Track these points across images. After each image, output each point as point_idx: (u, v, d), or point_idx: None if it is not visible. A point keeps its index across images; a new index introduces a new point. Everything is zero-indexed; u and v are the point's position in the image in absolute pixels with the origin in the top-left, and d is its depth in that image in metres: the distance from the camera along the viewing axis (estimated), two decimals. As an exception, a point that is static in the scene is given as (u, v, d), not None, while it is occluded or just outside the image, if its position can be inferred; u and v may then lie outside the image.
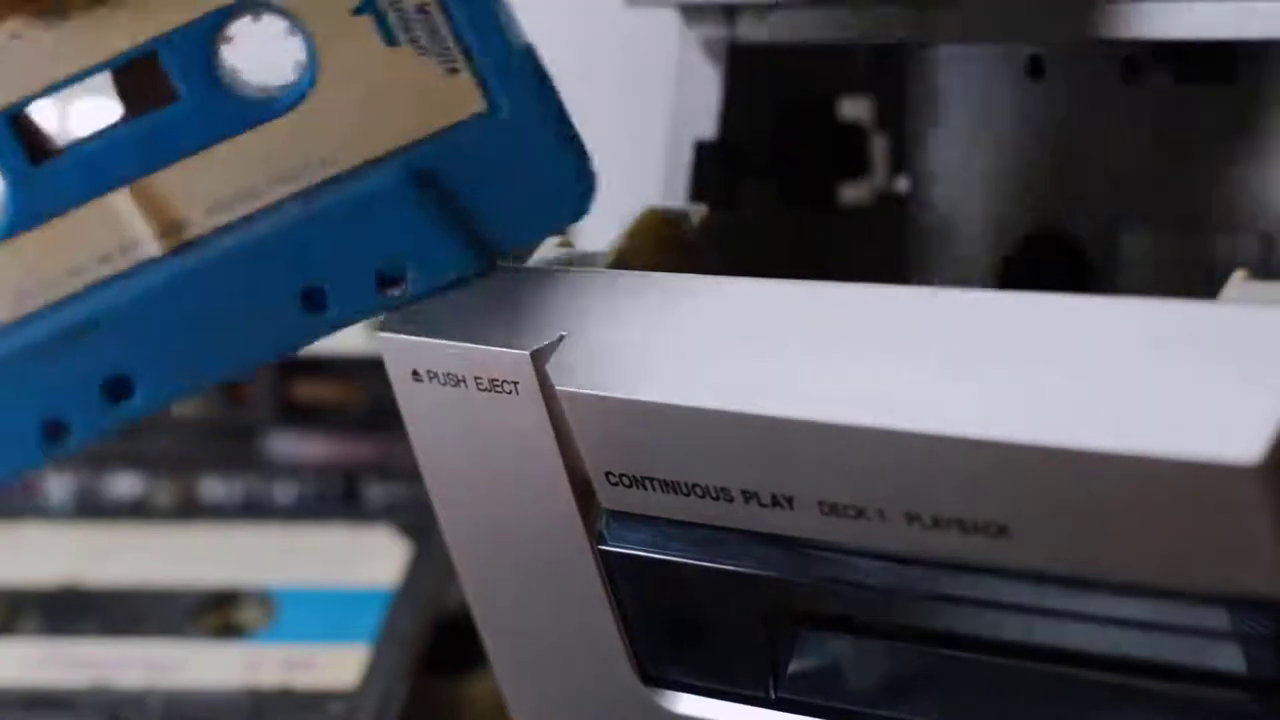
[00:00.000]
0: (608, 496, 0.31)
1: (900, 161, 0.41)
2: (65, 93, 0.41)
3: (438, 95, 0.32)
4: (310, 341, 0.33)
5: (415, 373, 0.33)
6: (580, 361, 0.30)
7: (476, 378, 0.32)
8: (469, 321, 0.32)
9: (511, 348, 0.31)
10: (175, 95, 0.33)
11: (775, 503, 0.29)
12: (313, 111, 0.32)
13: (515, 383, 0.31)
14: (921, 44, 0.38)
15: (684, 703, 0.33)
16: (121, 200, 0.33)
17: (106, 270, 0.33)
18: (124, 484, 0.48)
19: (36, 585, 0.50)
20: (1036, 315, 0.27)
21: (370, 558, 0.49)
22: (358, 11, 0.32)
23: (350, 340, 0.47)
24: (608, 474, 0.31)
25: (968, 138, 0.40)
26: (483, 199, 0.32)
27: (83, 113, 0.48)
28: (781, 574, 0.30)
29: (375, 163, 0.32)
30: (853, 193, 0.41)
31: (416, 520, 0.49)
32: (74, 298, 0.33)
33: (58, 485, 0.49)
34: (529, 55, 0.32)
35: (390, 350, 0.33)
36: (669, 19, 0.39)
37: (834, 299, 0.29)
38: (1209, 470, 0.24)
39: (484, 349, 0.31)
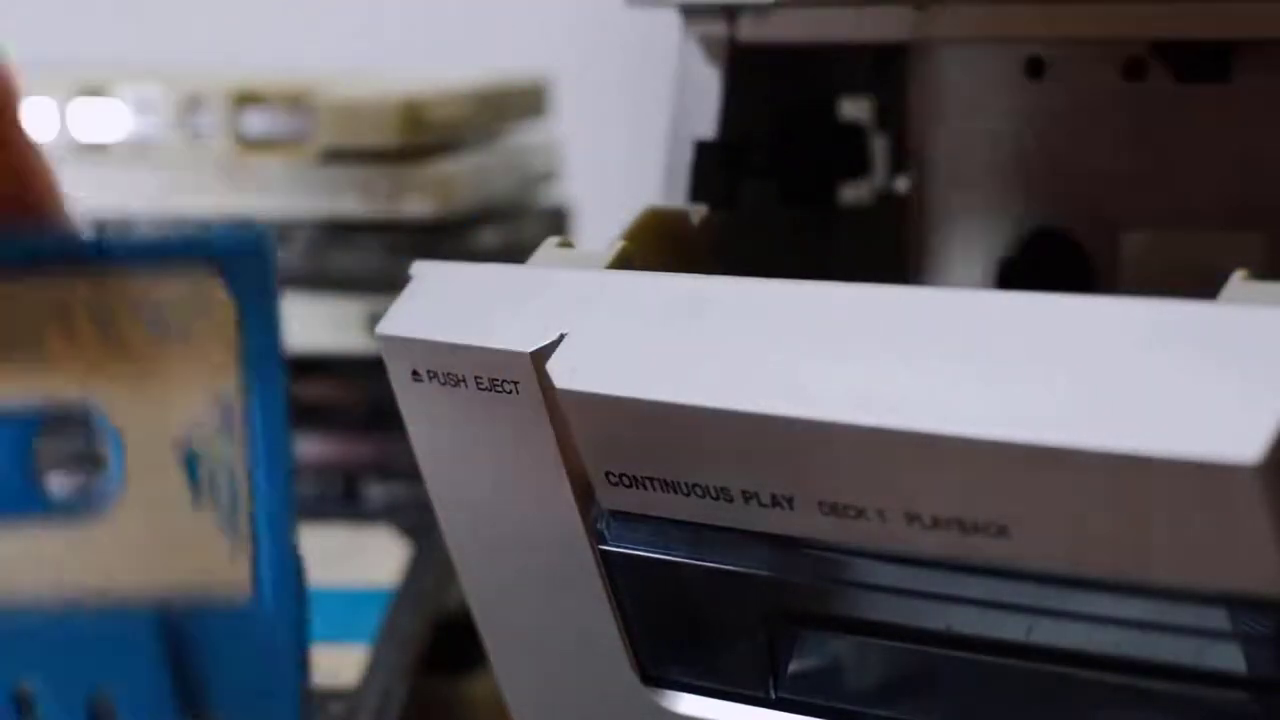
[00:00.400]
0: (608, 496, 0.31)
1: (900, 161, 0.41)
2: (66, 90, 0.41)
3: (214, 565, 0.33)
4: None
5: (415, 373, 0.33)
6: (580, 361, 0.30)
7: (476, 378, 0.32)
8: (469, 321, 0.32)
9: (511, 348, 0.31)
10: None
11: (775, 503, 0.29)
12: (97, 529, 0.34)
13: (515, 383, 0.31)
14: (921, 44, 0.38)
15: (684, 703, 0.33)
16: None
17: None
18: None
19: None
20: (1036, 315, 0.27)
21: (370, 558, 0.49)
22: (177, 448, 0.34)
23: (350, 340, 0.47)
24: (608, 474, 0.31)
25: (968, 138, 0.40)
26: (212, 670, 0.33)
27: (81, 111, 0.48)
28: (781, 574, 0.30)
29: (130, 599, 0.33)
30: (853, 193, 0.41)
31: (416, 520, 0.49)
32: None
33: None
34: (300, 564, 0.34)
35: (390, 350, 0.33)
36: (669, 19, 0.39)
37: (834, 299, 0.29)
38: (1209, 470, 0.24)
39: (484, 349, 0.31)
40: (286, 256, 0.47)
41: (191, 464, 0.33)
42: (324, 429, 0.48)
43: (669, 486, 0.30)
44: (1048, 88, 0.38)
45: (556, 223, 0.54)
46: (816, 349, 0.28)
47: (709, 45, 0.38)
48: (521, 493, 0.32)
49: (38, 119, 0.48)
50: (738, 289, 0.30)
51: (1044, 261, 0.39)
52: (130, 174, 0.47)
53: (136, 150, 0.47)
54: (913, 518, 0.27)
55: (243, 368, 0.34)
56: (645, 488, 0.30)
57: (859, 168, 0.41)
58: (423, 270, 0.34)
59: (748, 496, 0.29)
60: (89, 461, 0.36)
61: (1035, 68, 0.38)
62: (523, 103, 0.53)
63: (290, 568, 0.33)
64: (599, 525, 0.32)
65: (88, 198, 0.47)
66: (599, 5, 0.65)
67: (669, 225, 0.36)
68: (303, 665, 0.33)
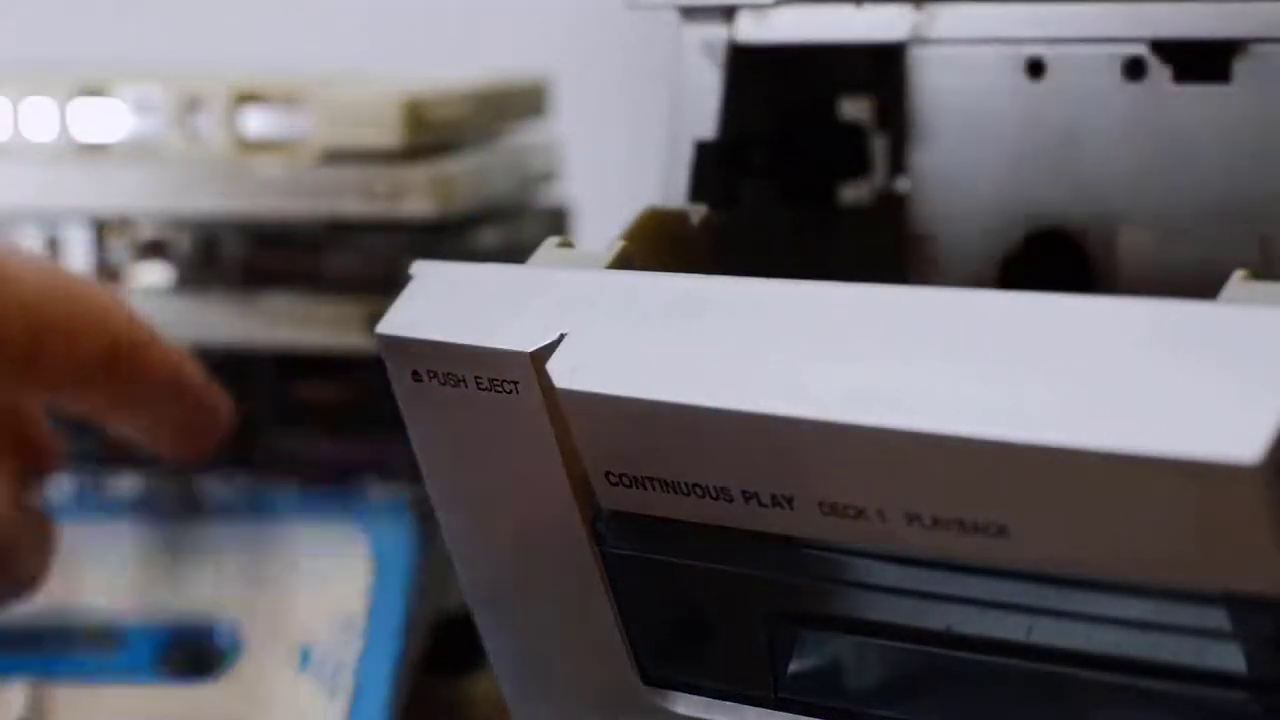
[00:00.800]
0: (608, 496, 0.31)
1: (900, 161, 0.41)
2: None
3: None
4: None
5: (415, 373, 0.33)
6: (580, 361, 0.30)
7: (476, 378, 0.32)
8: (469, 321, 0.32)
9: (511, 348, 0.31)
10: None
11: (775, 503, 0.29)
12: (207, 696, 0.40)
13: (515, 383, 0.31)
14: (921, 44, 0.38)
15: (684, 703, 0.33)
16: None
17: None
18: (123, 484, 0.48)
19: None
20: (1036, 315, 0.27)
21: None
22: (292, 652, 0.40)
23: (350, 340, 0.47)
24: (608, 474, 0.31)
25: (968, 138, 0.40)
26: None
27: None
28: (781, 574, 0.30)
29: None
30: (853, 193, 0.41)
31: (417, 521, 0.49)
32: None
33: (57, 485, 0.49)
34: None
35: (390, 350, 0.33)
36: (669, 19, 0.39)
37: (834, 299, 0.29)
38: (1209, 470, 0.24)
39: (484, 349, 0.31)
40: (287, 256, 0.47)
41: (305, 656, 0.40)
42: (324, 429, 0.48)
43: (669, 486, 0.30)
44: (1048, 88, 0.38)
45: (556, 223, 0.54)
46: (816, 349, 0.28)
47: (709, 45, 0.38)
48: (521, 493, 0.32)
49: (38, 119, 0.48)
50: (737, 289, 0.30)
51: (1044, 261, 0.39)
52: (130, 174, 0.47)
53: (136, 150, 0.47)
54: (913, 518, 0.27)
55: (369, 608, 0.41)
56: (645, 488, 0.30)
57: (859, 168, 0.41)
58: (423, 270, 0.34)
59: (748, 496, 0.29)
60: (208, 659, 0.42)
61: (1035, 68, 0.38)
62: (523, 103, 0.53)
63: None
64: (599, 525, 0.32)
65: (88, 198, 0.47)
66: (599, 5, 0.65)
67: (669, 225, 0.36)
68: None
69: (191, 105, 0.47)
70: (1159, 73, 0.37)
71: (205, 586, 0.43)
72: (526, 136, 0.54)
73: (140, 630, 0.42)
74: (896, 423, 0.27)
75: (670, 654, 0.33)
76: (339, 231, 0.47)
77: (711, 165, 0.38)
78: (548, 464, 0.31)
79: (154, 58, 0.63)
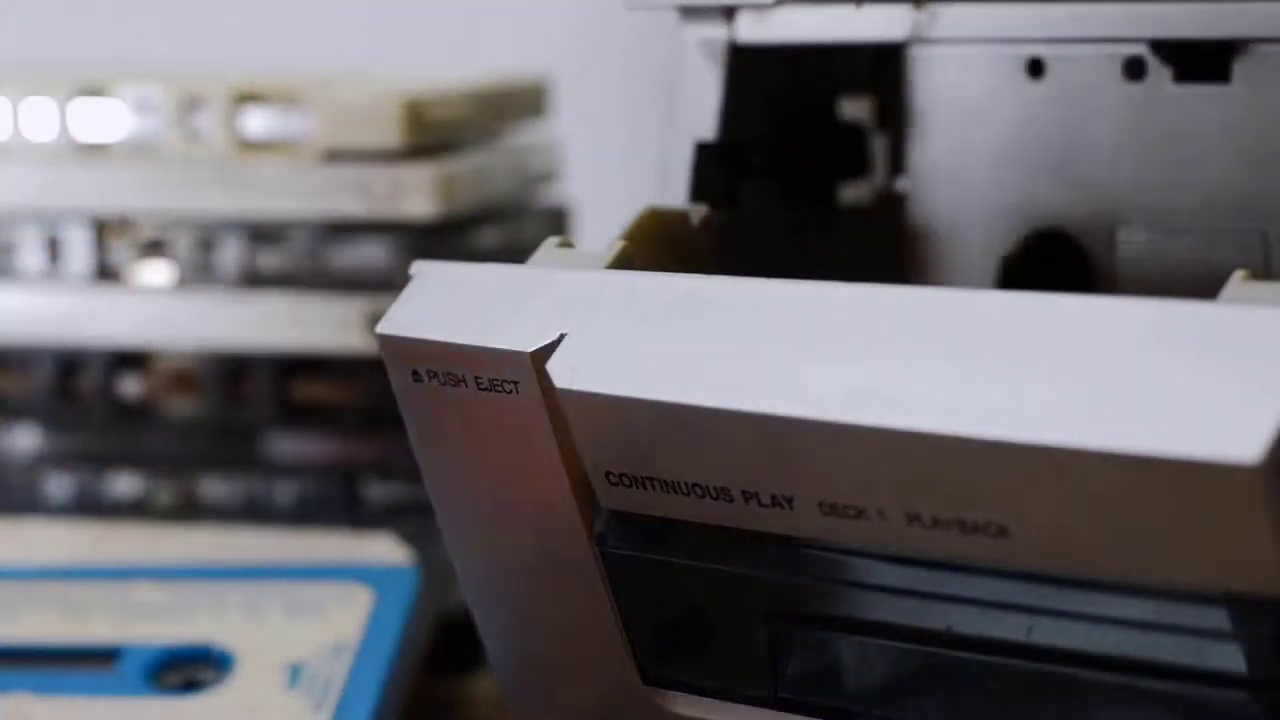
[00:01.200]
0: (608, 496, 0.31)
1: (900, 161, 0.41)
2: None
3: None
4: None
5: (415, 373, 0.33)
6: (580, 361, 0.30)
7: (476, 378, 0.32)
8: (469, 321, 0.32)
9: (511, 348, 0.31)
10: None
11: (775, 503, 0.29)
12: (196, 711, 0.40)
13: (515, 383, 0.31)
14: (921, 44, 0.38)
15: (684, 703, 0.33)
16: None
17: None
18: (123, 484, 0.48)
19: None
20: (1036, 315, 0.27)
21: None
22: (284, 669, 0.41)
23: (350, 340, 0.47)
24: (608, 474, 0.31)
25: (968, 137, 0.40)
26: None
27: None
28: (781, 574, 0.30)
29: None
30: (853, 193, 0.41)
31: (417, 522, 0.49)
32: None
33: (57, 485, 0.49)
34: None
35: (390, 350, 0.33)
36: (669, 19, 0.39)
37: (834, 299, 0.29)
38: (1209, 470, 0.24)
39: (484, 349, 0.31)
40: (286, 256, 0.47)
41: (296, 674, 0.40)
42: (324, 429, 0.48)
43: (669, 486, 0.30)
44: (1048, 88, 0.38)
45: (556, 223, 0.54)
46: (816, 349, 0.28)
47: (709, 45, 0.38)
48: (521, 493, 0.32)
49: (38, 119, 0.48)
50: (737, 289, 0.30)
51: (1044, 261, 0.39)
52: (130, 174, 0.47)
53: (136, 150, 0.47)
54: (913, 518, 0.27)
55: (364, 638, 0.42)
56: (645, 488, 0.30)
57: (859, 168, 0.41)
58: (423, 270, 0.34)
59: (748, 496, 0.29)
60: (201, 673, 0.42)
61: (1035, 68, 0.38)
62: (523, 103, 0.53)
63: None
64: (599, 525, 0.32)
65: (88, 198, 0.47)
66: (599, 5, 0.65)
67: (669, 225, 0.36)
68: None
69: (191, 105, 0.47)
70: (1159, 73, 0.37)
71: (202, 616, 0.43)
72: (526, 136, 0.54)
73: (133, 648, 0.43)
74: (896, 423, 0.27)
75: (670, 654, 0.33)
76: (339, 231, 0.47)
77: (711, 165, 0.38)
78: (548, 464, 0.31)
79: (154, 58, 0.63)
